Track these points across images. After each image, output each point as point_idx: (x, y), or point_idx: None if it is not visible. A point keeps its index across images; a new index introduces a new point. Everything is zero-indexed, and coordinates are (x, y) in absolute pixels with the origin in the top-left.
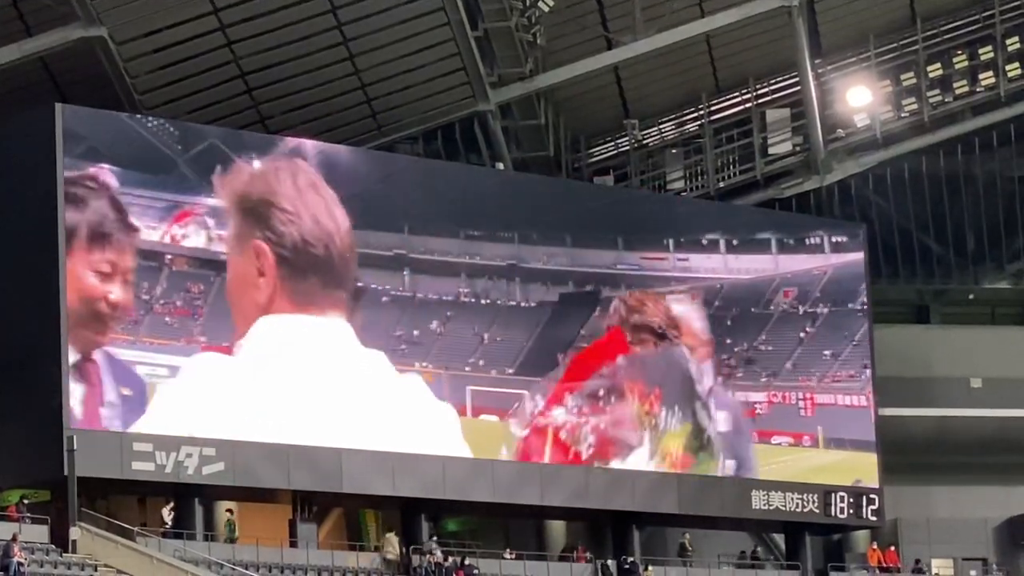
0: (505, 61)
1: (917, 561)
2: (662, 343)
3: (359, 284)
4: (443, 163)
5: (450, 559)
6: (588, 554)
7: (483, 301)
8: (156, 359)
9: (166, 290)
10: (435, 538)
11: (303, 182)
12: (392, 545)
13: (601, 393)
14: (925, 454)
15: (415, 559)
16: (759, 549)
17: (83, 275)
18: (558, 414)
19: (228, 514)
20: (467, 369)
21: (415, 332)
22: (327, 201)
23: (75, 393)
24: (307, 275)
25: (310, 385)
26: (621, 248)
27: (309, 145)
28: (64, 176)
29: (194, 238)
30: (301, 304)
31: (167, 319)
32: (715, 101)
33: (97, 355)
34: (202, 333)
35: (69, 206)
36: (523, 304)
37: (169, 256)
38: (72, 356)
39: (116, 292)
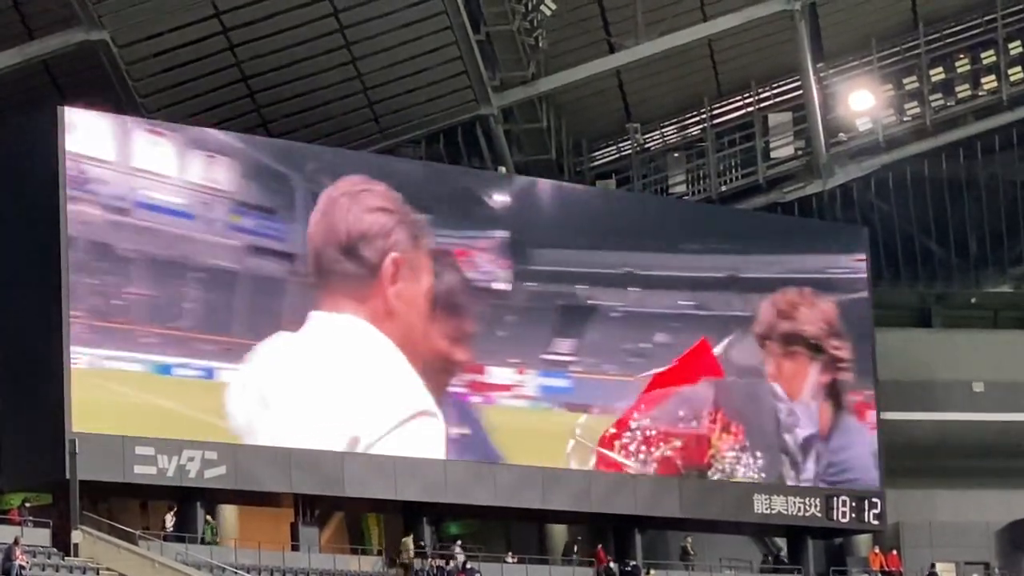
0: (507, 65)
1: (932, 565)
2: (817, 357)
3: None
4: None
5: (451, 563)
6: (610, 559)
7: (704, 312)
8: None
9: None
10: (459, 542)
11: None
12: (408, 549)
13: (681, 414)
14: (927, 458)
15: (417, 563)
16: (782, 554)
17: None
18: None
19: (209, 518)
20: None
21: (641, 345)
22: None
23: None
24: None
25: None
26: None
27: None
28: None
29: None
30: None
31: None
32: (717, 105)
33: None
34: None
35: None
36: (741, 313)
37: None
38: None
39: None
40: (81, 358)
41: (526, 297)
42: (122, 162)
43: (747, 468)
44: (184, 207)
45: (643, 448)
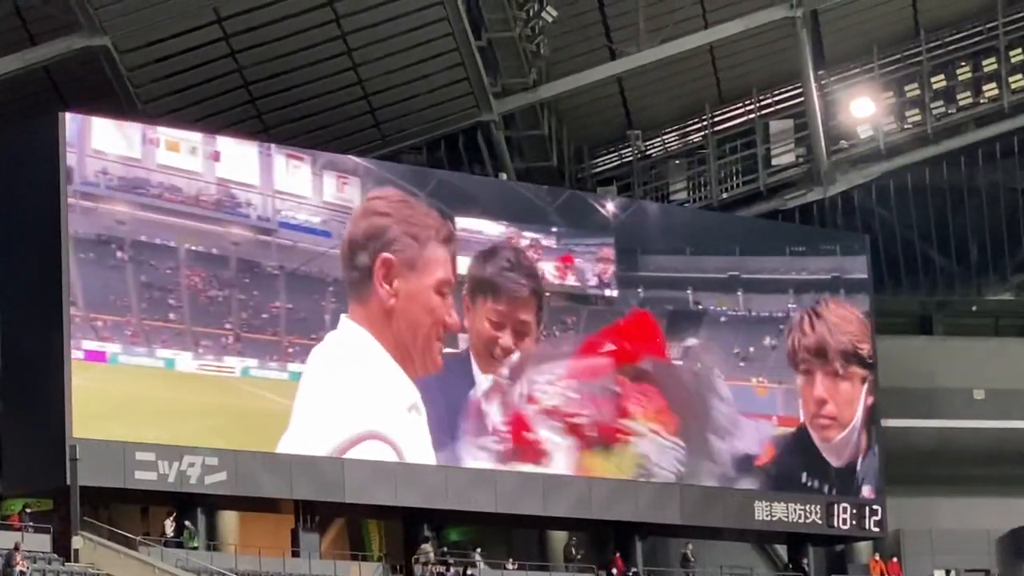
0: (509, 71)
1: (947, 572)
2: (847, 370)
3: None
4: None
5: (451, 569)
6: (632, 568)
7: None
8: None
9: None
10: (479, 549)
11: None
12: (426, 555)
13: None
14: (928, 465)
15: (417, 569)
16: (805, 562)
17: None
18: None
19: (188, 524)
20: (799, 381)
21: (751, 349)
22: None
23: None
24: None
25: None
26: None
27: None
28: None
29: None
30: None
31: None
32: (718, 112)
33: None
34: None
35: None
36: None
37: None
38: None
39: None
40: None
41: (636, 302)
42: (266, 185)
43: (666, 458)
44: (321, 226)
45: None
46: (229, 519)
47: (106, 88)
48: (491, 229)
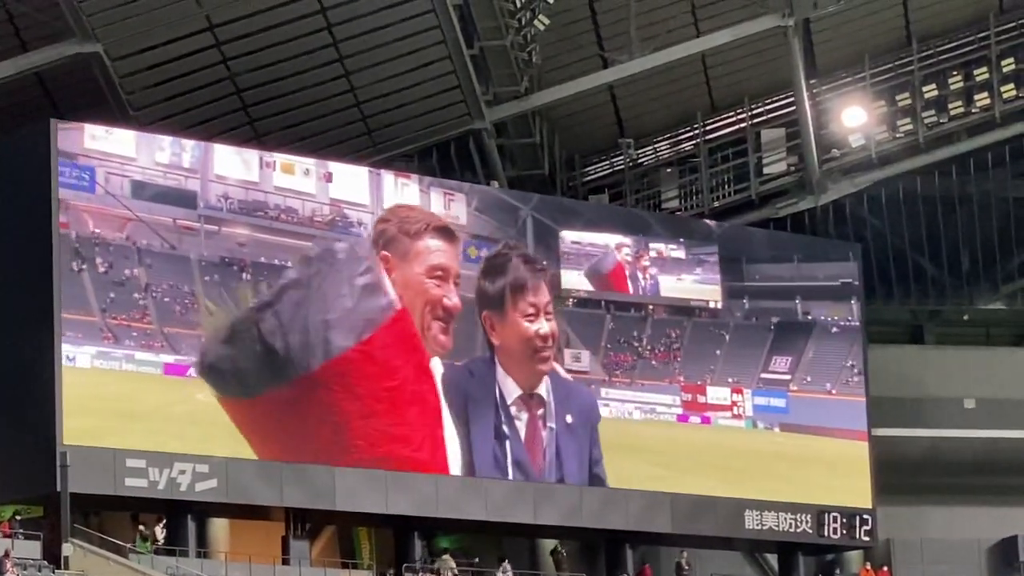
0: (500, 79)
1: None
2: None
3: None
4: None
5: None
6: None
7: None
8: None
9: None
10: (505, 560)
11: None
12: (448, 566)
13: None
14: (918, 474)
15: None
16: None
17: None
18: None
19: (142, 528)
20: None
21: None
22: None
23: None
24: None
25: None
26: None
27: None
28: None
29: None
30: None
31: (653, 363)
32: (710, 120)
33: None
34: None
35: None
36: None
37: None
38: (517, 391)
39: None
40: None
41: (741, 314)
42: (376, 204)
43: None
44: None
45: None
46: (219, 526)
47: (98, 95)
48: (600, 240)
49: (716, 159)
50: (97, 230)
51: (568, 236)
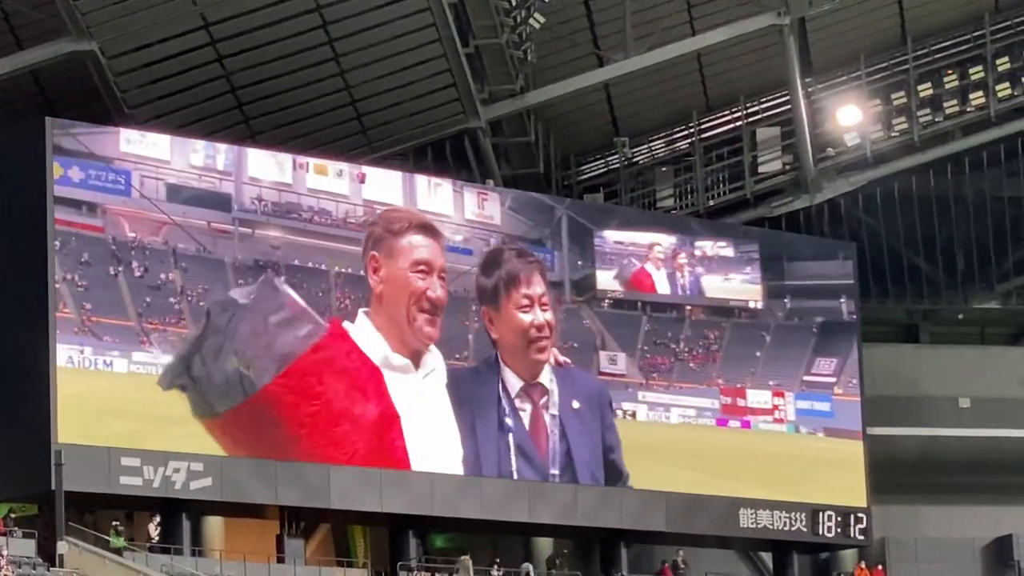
0: (496, 78)
1: None
2: None
3: None
4: None
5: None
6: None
7: None
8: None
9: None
10: (528, 563)
11: None
12: (465, 566)
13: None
14: (913, 473)
15: (402, 574)
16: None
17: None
18: None
19: (116, 523)
20: None
21: None
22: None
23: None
24: None
25: None
26: None
27: None
28: None
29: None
30: None
31: (691, 365)
32: (705, 119)
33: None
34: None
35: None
36: None
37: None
38: (519, 383)
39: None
40: None
41: (783, 315)
42: (410, 206)
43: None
44: (464, 244)
45: None
46: (214, 525)
47: (93, 93)
48: (640, 239)
49: (711, 158)
50: (133, 234)
51: (609, 236)
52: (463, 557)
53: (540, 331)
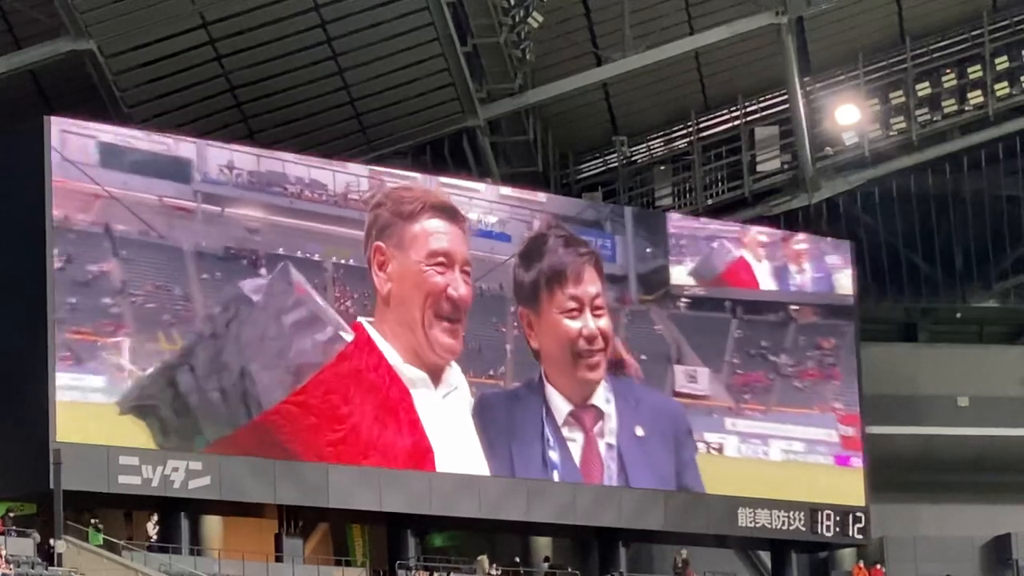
0: (494, 77)
1: None
2: None
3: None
4: None
5: (435, 575)
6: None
7: None
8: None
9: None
10: (484, 565)
11: None
12: (483, 568)
13: None
14: (912, 472)
15: (401, 574)
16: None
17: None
18: None
19: (94, 520)
20: None
21: None
22: None
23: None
24: None
25: None
26: None
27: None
28: None
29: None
30: None
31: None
32: (704, 118)
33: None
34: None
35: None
36: None
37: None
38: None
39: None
40: None
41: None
42: (428, 182)
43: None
44: (499, 228)
45: None
46: (213, 524)
47: (92, 92)
48: (708, 224)
49: (710, 157)
50: (57, 211)
51: (675, 219)
52: (480, 557)
53: (591, 342)
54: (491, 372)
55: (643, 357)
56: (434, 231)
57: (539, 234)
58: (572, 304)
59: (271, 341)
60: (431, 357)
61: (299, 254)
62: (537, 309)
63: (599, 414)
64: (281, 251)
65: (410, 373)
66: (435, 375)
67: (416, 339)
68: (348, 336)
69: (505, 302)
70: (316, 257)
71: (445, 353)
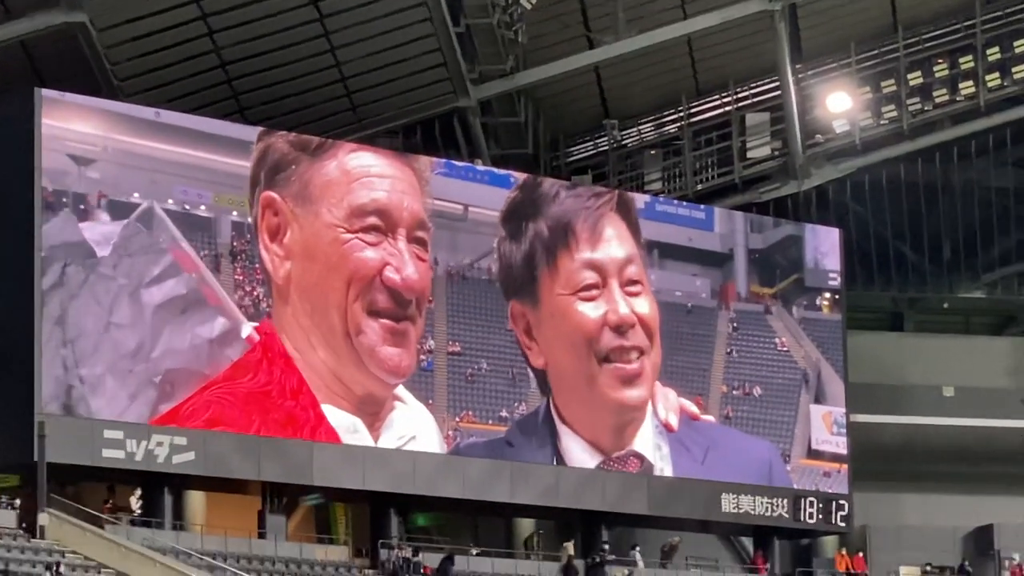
0: (486, 58)
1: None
2: None
3: None
4: None
5: (420, 554)
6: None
7: None
8: None
9: None
10: (637, 547)
11: None
12: (567, 552)
13: None
14: (896, 461)
15: (383, 553)
16: (966, 563)
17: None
18: None
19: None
20: None
21: None
22: None
23: None
24: None
25: None
26: None
27: None
28: None
29: None
30: None
31: None
32: (695, 103)
33: None
34: None
35: None
36: None
37: None
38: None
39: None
40: None
41: None
42: None
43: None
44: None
45: None
46: (196, 499)
47: (83, 65)
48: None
49: (700, 142)
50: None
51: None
52: (566, 544)
53: (622, 333)
54: (503, 413)
55: (757, 392)
56: (361, 173)
57: (530, 181)
58: (588, 276)
59: (111, 332)
60: (361, 385)
61: (171, 204)
62: (535, 298)
63: (645, 467)
64: (136, 197)
65: (333, 417)
66: (371, 416)
67: (334, 355)
68: (249, 333)
69: (496, 292)
70: (201, 211)
71: (385, 374)
